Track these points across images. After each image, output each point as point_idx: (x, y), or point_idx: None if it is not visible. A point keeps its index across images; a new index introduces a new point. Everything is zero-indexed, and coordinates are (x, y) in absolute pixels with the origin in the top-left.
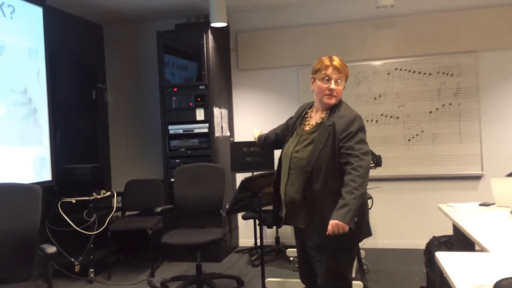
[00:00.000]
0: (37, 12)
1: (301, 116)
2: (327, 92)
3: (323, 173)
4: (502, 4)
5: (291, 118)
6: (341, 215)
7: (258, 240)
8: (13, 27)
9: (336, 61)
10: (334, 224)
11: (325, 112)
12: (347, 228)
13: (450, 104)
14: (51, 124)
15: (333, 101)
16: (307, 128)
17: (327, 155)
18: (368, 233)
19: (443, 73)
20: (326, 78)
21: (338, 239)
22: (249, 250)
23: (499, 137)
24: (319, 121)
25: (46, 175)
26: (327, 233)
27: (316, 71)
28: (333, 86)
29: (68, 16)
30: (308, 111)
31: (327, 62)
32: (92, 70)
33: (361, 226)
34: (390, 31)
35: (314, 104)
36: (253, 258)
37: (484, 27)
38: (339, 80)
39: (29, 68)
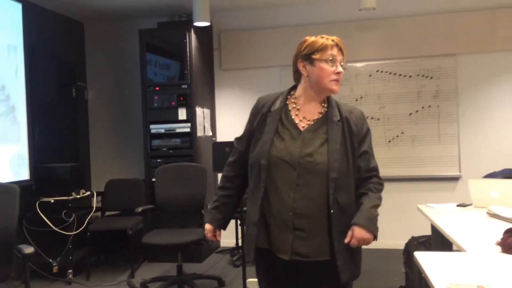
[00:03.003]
0: (16, 8)
1: (273, 109)
2: (335, 77)
3: (348, 181)
4: (480, 8)
5: (248, 130)
6: (366, 220)
7: (240, 240)
8: None
9: (337, 40)
10: (359, 233)
11: (322, 104)
12: (371, 238)
13: (430, 106)
14: (30, 122)
15: (338, 89)
16: (303, 124)
17: (350, 158)
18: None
19: (423, 75)
20: (331, 59)
21: (358, 267)
22: (230, 251)
23: (476, 139)
24: (320, 116)
25: (24, 174)
26: (346, 240)
27: (315, 51)
28: (340, 69)
29: (48, 13)
30: (288, 102)
31: (328, 40)
32: (72, 68)
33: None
34: (372, 33)
35: (295, 92)
36: (235, 258)
37: (463, 31)
38: (342, 63)
39: (7, 65)
